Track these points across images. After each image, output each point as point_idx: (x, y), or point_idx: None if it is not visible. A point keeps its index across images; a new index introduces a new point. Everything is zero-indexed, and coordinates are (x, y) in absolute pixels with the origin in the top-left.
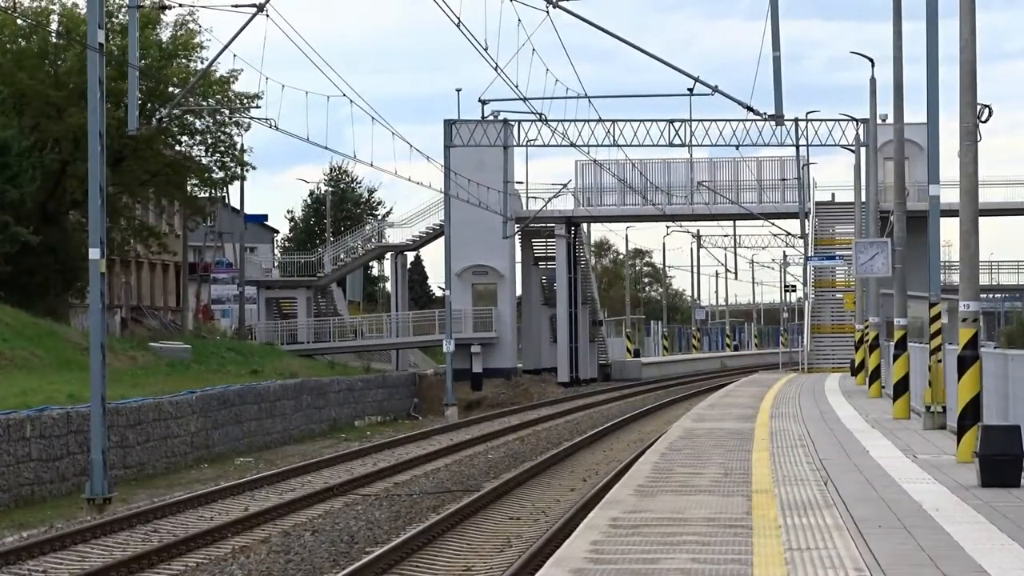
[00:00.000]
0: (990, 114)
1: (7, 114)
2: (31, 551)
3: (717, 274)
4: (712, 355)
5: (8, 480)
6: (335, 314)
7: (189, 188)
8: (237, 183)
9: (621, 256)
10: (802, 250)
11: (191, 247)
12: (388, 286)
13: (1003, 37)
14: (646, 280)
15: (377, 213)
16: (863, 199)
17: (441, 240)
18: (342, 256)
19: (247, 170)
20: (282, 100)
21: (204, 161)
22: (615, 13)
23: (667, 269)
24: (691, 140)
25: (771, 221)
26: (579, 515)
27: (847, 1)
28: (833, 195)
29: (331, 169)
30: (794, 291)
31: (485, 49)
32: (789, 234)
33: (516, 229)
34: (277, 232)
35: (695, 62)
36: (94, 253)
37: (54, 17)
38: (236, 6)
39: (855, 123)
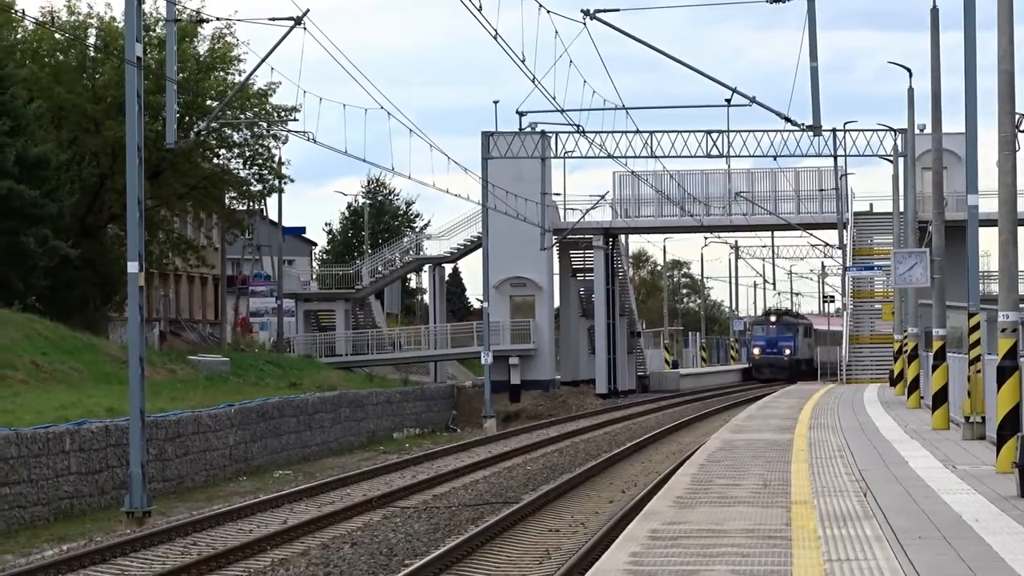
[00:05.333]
0: None
1: (45, 128)
2: (71, 564)
3: (755, 285)
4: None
5: (48, 493)
6: (373, 326)
7: (227, 201)
8: (275, 196)
9: (659, 267)
10: (840, 261)
11: (229, 260)
12: (426, 298)
13: None
14: (684, 291)
15: (415, 225)
16: (901, 209)
17: (479, 252)
18: (380, 268)
19: (285, 183)
20: (320, 113)
21: (242, 174)
22: (663, 25)
23: (705, 280)
24: (729, 151)
25: (809, 232)
26: (618, 527)
27: (895, 12)
28: (871, 205)
29: (369, 181)
30: (832, 302)
31: (523, 61)
32: (827, 244)
33: (554, 241)
34: (315, 245)
35: (744, 74)
36: (132, 266)
37: (92, 31)
38: (273, 19)
39: (893, 133)
